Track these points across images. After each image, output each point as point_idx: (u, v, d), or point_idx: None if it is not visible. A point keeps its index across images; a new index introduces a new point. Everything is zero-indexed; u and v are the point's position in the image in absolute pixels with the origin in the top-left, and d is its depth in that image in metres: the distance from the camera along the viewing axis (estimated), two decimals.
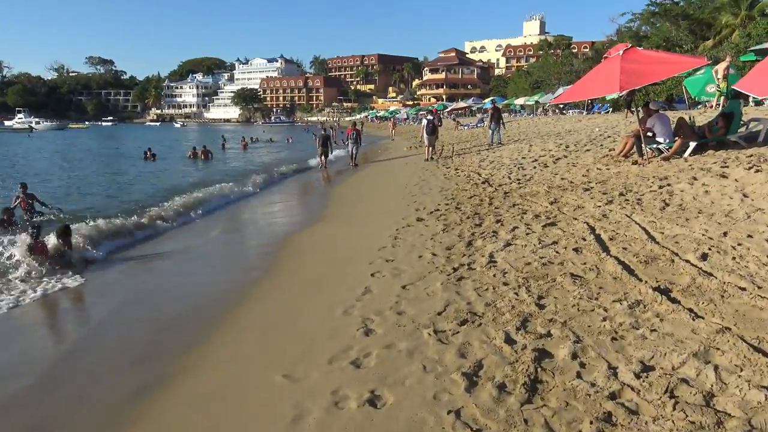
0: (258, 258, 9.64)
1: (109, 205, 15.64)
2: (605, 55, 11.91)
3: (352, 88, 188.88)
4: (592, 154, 15.13)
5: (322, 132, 27.03)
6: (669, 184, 9.33)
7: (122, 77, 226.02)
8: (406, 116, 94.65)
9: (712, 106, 26.35)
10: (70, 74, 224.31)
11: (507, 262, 6.35)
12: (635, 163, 12.14)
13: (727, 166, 9.97)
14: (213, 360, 5.07)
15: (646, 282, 5.01)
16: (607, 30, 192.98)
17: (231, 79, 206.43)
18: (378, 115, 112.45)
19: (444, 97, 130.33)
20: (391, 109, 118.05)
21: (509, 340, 4.26)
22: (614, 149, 15.13)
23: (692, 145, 11.99)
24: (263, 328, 5.84)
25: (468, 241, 7.61)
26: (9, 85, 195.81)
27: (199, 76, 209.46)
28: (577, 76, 64.76)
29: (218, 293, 7.49)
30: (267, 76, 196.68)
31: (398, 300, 5.62)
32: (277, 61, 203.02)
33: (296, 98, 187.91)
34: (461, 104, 78.53)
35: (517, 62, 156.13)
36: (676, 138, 12.41)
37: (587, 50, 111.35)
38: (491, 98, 64.30)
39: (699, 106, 27.50)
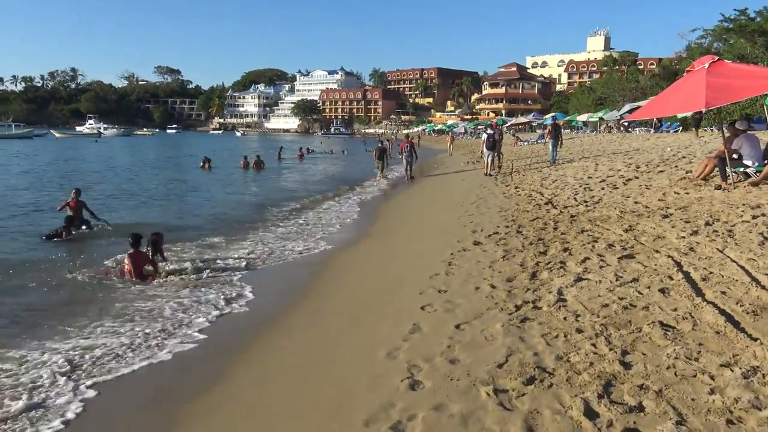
0: (299, 276, 9.00)
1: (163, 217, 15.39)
2: (688, 69, 10.82)
3: (411, 101, 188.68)
4: (667, 176, 13.92)
5: (379, 144, 26.60)
6: (764, 214, 8.20)
7: (188, 86, 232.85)
8: (464, 130, 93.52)
9: None
10: (139, 83, 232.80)
11: (579, 301, 5.45)
12: (718, 187, 10.96)
13: None
14: (230, 407, 4.39)
15: (760, 342, 4.04)
16: (676, 46, 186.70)
17: (291, 90, 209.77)
18: (436, 128, 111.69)
19: (503, 111, 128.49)
20: (449, 122, 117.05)
21: (590, 413, 3.40)
22: (691, 171, 13.92)
23: None
24: (295, 367, 5.13)
25: (532, 272, 6.73)
26: (83, 92, 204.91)
27: (261, 87, 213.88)
28: (643, 93, 62.60)
29: (251, 319, 6.85)
30: (327, 88, 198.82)
31: (451, 343, 4.82)
32: (337, 73, 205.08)
33: (355, 110, 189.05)
34: (521, 119, 76.97)
35: (579, 78, 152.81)
36: (767, 162, 11.17)
37: (654, 66, 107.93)
38: (552, 114, 62.73)
39: None
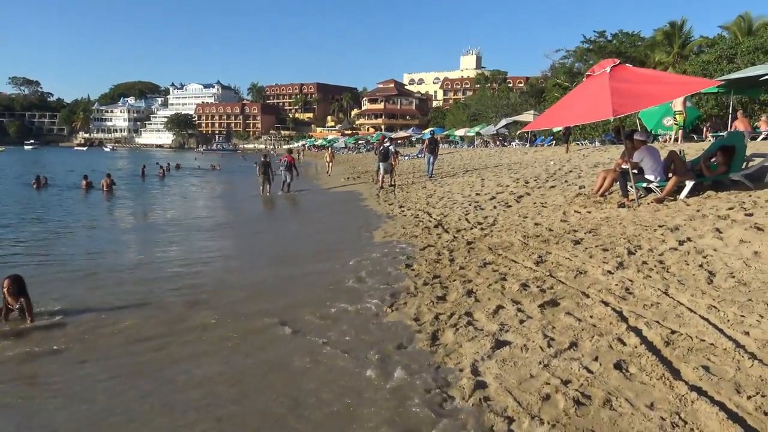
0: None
1: None
2: (588, 73, 9.69)
3: (291, 116, 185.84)
4: (560, 192, 12.87)
5: (262, 159, 24.69)
6: (689, 239, 6.99)
7: (48, 99, 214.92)
8: (344, 145, 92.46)
9: (666, 140, 25.01)
10: None
11: (506, 389, 3.72)
12: (622, 205, 9.88)
13: (751, 214, 7.77)
14: None
15: None
16: (542, 66, 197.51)
17: (165, 104, 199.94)
18: (316, 143, 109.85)
19: (383, 127, 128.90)
20: (330, 137, 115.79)
21: None
22: (584, 186, 12.97)
23: (689, 184, 9.84)
24: None
25: (431, 332, 4.95)
26: None
27: (131, 100, 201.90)
28: (514, 109, 64.51)
29: None
30: (203, 102, 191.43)
31: None
32: (213, 86, 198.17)
33: (233, 125, 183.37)
34: (401, 134, 76.89)
35: (454, 95, 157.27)
36: (669, 175, 10.27)
37: (522, 84, 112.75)
38: (431, 129, 63.03)
39: (654, 141, 26.18)
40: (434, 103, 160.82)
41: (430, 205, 13.95)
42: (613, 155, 20.73)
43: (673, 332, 4.24)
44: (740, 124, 20.13)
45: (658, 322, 4.49)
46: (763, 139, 19.26)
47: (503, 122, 46.61)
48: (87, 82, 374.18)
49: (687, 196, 9.79)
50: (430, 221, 11.48)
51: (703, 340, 4.02)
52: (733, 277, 5.35)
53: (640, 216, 8.97)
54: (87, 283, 8.18)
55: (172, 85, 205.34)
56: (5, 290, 6.57)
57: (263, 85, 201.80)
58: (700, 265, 5.85)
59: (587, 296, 5.36)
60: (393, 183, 21.53)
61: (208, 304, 6.79)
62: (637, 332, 4.33)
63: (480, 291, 5.99)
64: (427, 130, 64.06)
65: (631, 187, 10.26)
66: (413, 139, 73.71)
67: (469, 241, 8.81)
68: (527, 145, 43.41)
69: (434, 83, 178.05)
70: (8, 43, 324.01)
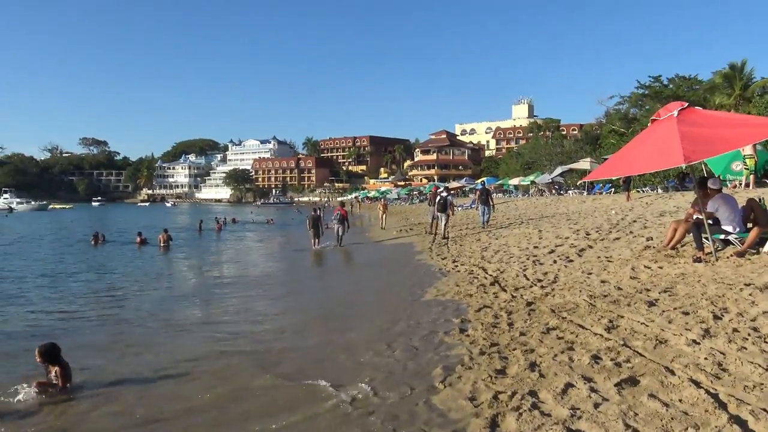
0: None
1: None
2: (653, 117, 9.01)
3: (344, 168, 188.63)
4: (626, 244, 12.02)
5: (312, 213, 24.74)
6: None
7: (115, 158, 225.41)
8: (397, 196, 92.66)
9: (736, 186, 23.65)
10: (63, 155, 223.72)
11: None
12: (698, 260, 9.00)
13: None
14: None
15: None
16: (596, 113, 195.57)
17: (224, 160, 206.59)
18: (369, 195, 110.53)
19: (435, 177, 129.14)
20: (382, 189, 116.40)
21: None
22: (652, 238, 12.08)
23: None
24: None
25: (490, 417, 4.29)
26: (1, 165, 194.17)
27: (191, 157, 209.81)
28: (568, 157, 63.34)
29: None
30: (259, 157, 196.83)
31: None
32: (270, 142, 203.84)
33: (288, 178, 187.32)
34: (454, 184, 76.57)
35: (507, 144, 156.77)
36: (748, 226, 9.37)
37: (576, 132, 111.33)
38: (483, 179, 62.41)
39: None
40: (486, 153, 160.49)
41: (485, 260, 13.27)
42: (679, 203, 19.65)
43: None
44: None
45: (765, 410, 3.73)
46: None
47: (559, 170, 45.61)
48: (151, 141, 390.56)
49: None
50: (485, 278, 10.81)
51: None
52: None
53: (720, 272, 8.11)
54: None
55: (231, 141, 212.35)
56: (38, 360, 6.30)
57: (317, 139, 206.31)
58: None
59: (672, 373, 4.61)
60: (446, 235, 21.01)
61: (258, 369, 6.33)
62: (742, 424, 3.58)
63: (545, 364, 5.30)
64: (480, 180, 63.45)
65: (707, 239, 9.41)
66: (466, 189, 73.16)
67: (529, 302, 8.11)
68: (585, 193, 42.19)
69: (486, 133, 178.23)
70: (80, 105, 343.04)
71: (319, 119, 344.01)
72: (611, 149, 51.85)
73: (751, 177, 20.35)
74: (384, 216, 33.68)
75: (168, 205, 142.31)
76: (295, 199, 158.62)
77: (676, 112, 8.53)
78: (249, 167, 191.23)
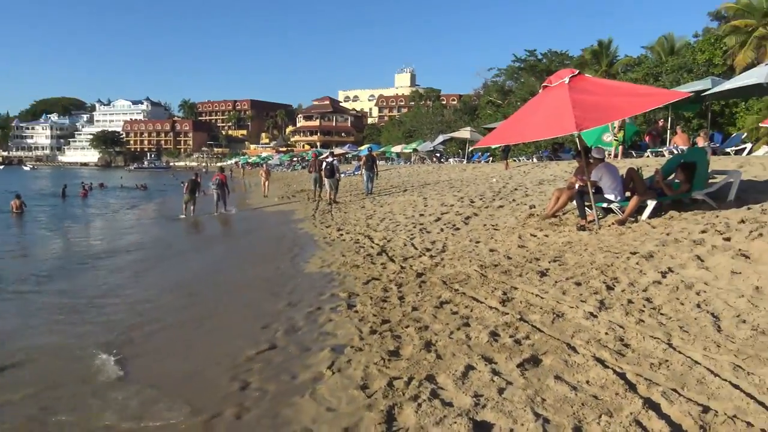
0: None
1: None
2: (544, 84, 8.86)
3: (224, 133, 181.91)
4: (510, 212, 12.03)
5: (192, 178, 23.19)
6: (671, 269, 6.13)
7: None
8: (279, 162, 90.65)
9: (608, 156, 24.87)
10: None
11: None
12: (582, 228, 9.04)
13: (729, 238, 7.03)
14: None
15: None
16: (474, 84, 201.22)
17: (90, 121, 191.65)
18: (249, 161, 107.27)
19: (318, 144, 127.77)
20: (264, 154, 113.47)
21: None
22: (535, 206, 12.18)
23: (651, 204, 9.12)
24: None
25: (386, 410, 3.78)
26: None
27: (54, 117, 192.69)
28: (448, 126, 64.61)
29: None
30: (131, 119, 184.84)
31: None
32: (142, 103, 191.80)
33: (163, 142, 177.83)
34: (338, 150, 75.82)
35: (389, 112, 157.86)
36: (628, 195, 9.56)
37: (455, 102, 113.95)
38: (367, 145, 62.20)
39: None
40: (369, 120, 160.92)
41: (371, 228, 12.84)
42: (555, 172, 20.27)
43: (704, 410, 3.24)
44: (679, 140, 20.04)
45: (677, 391, 3.50)
46: None
47: (440, 138, 46.24)
48: (5, 97, 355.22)
49: (649, 217, 9.07)
50: (372, 247, 10.35)
51: (750, 424, 3.04)
52: (745, 322, 4.46)
53: (605, 240, 8.15)
54: None
55: (98, 101, 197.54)
56: None
57: (195, 101, 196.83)
58: (698, 305, 4.96)
59: (575, 350, 4.34)
60: (335, 200, 20.56)
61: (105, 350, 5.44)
62: (656, 409, 3.32)
63: (441, 342, 4.88)
64: (364, 147, 63.19)
65: (589, 207, 9.50)
66: (348, 156, 72.80)
67: (419, 273, 7.73)
68: (464, 162, 43.11)
69: (369, 100, 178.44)
70: None
71: (197, 81, 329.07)
72: (489, 119, 53.34)
73: (620, 148, 21.35)
74: (266, 183, 31.91)
75: (26, 168, 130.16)
76: (171, 163, 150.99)
77: (567, 79, 8.42)
78: (119, 129, 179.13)
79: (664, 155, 20.23)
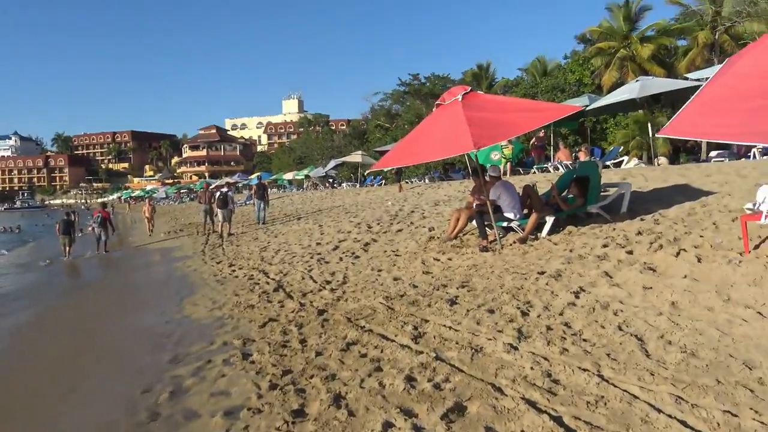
0: None
1: None
2: (438, 102, 8.58)
3: (104, 167, 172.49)
4: (410, 236, 11.69)
5: (65, 217, 21.29)
6: (582, 289, 5.92)
7: None
8: (165, 195, 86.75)
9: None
10: None
11: None
12: (485, 249, 8.81)
13: (631, 251, 6.98)
14: None
15: None
16: (362, 108, 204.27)
17: None
18: (133, 195, 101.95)
19: (207, 174, 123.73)
20: (148, 187, 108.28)
21: None
22: (434, 228, 11.92)
23: (549, 220, 9.06)
24: None
25: None
26: None
27: None
28: (339, 151, 64.53)
29: None
30: None
31: None
32: (10, 138, 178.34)
33: (36, 179, 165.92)
34: (228, 180, 73.65)
35: (278, 138, 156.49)
36: (526, 212, 9.46)
37: (344, 127, 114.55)
38: (258, 174, 60.86)
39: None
40: (259, 148, 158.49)
41: (266, 261, 12.05)
42: (448, 192, 20.37)
43: None
44: (563, 155, 20.79)
45: None
46: None
47: (332, 164, 45.89)
48: None
49: (549, 234, 9.00)
50: (267, 283, 9.59)
51: None
52: (671, 343, 4.22)
53: (510, 260, 7.92)
54: None
55: None
56: None
57: (70, 135, 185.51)
58: (619, 327, 4.70)
59: (502, 392, 3.89)
60: (229, 232, 19.51)
61: None
62: None
63: (352, 394, 4.29)
64: (254, 175, 61.73)
65: (490, 227, 9.31)
66: (240, 185, 70.89)
67: (321, 310, 7.09)
68: (357, 186, 42.97)
69: (258, 128, 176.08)
70: None
71: (71, 114, 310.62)
72: (378, 143, 53.67)
73: (508, 165, 21.85)
74: (152, 222, 27.02)
75: None
76: (47, 201, 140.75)
77: (460, 97, 8.18)
78: None
79: (549, 171, 20.91)
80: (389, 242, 11.57)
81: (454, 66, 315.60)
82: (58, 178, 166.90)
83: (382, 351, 5.17)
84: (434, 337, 5.30)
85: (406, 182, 36.36)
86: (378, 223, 14.34)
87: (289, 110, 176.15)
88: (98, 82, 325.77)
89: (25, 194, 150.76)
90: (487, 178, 9.81)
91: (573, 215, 9.68)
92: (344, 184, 47.68)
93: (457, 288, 6.90)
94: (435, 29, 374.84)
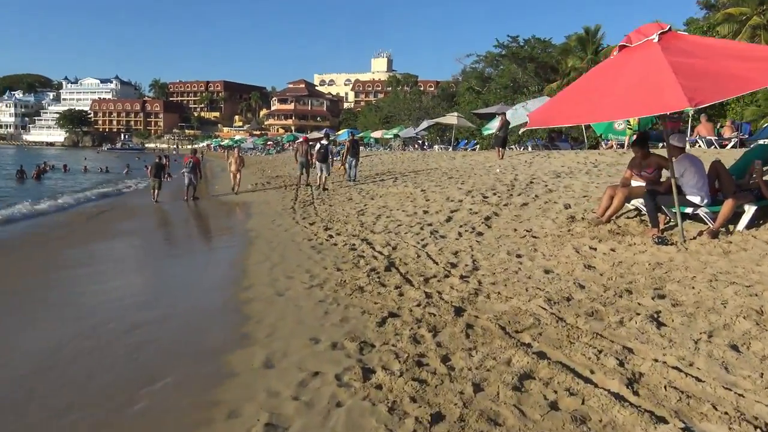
0: None
1: None
2: (621, 44, 6.49)
3: (196, 114, 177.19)
4: (541, 213, 9.72)
5: (156, 161, 20.93)
6: None
7: None
8: (252, 146, 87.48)
9: (612, 147, 22.70)
10: None
11: None
12: (661, 241, 6.77)
13: None
14: None
15: None
16: (453, 70, 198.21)
17: (57, 99, 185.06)
18: (222, 144, 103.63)
19: (293, 128, 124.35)
20: (237, 137, 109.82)
21: None
22: (570, 206, 9.89)
23: (750, 210, 6.88)
24: None
25: None
26: None
27: (18, 94, 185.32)
28: (426, 113, 62.04)
29: None
30: (99, 98, 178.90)
31: None
32: (111, 81, 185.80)
33: (133, 123, 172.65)
34: (316, 134, 73.08)
35: (366, 97, 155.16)
36: (719, 195, 7.30)
37: (432, 89, 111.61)
38: (348, 129, 59.58)
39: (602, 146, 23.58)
40: (345, 105, 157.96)
41: (367, 228, 10.42)
42: (565, 162, 18.04)
43: None
44: (704, 130, 17.97)
45: None
46: (732, 146, 17.14)
47: (425, 124, 43.79)
48: None
49: (746, 228, 6.84)
50: (375, 258, 7.93)
51: None
52: None
53: (709, 261, 5.87)
54: None
55: (66, 78, 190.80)
56: None
57: (166, 81, 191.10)
58: None
59: None
60: (325, 186, 18.41)
61: None
62: None
63: None
64: (343, 131, 60.53)
65: (663, 213, 7.24)
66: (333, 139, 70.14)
67: (458, 308, 5.35)
68: (449, 149, 40.76)
69: (345, 85, 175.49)
70: None
71: (168, 61, 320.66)
72: (468, 106, 50.98)
73: (635, 137, 19.15)
74: (238, 176, 22.36)
75: None
76: (147, 145, 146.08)
77: (656, 37, 6.06)
78: (87, 108, 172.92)
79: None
80: (515, 218, 9.66)
81: (557, 32, 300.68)
82: (153, 122, 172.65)
83: (583, 401, 3.37)
84: (662, 386, 3.43)
85: (510, 148, 33.66)
86: (494, 193, 12.39)
87: (378, 69, 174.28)
88: (195, 30, 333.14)
89: (126, 136, 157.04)
90: (672, 149, 7.69)
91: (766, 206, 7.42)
92: (436, 147, 45.54)
93: (652, 299, 4.97)
94: None
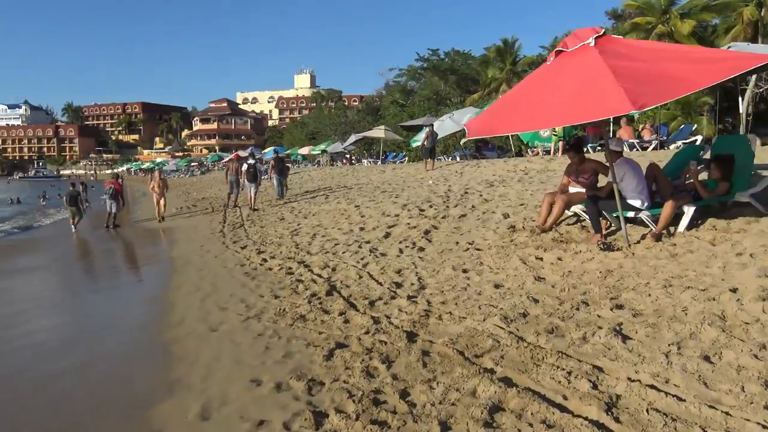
0: None
1: None
2: (558, 49, 6.35)
3: (114, 138, 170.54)
4: (480, 224, 9.54)
5: (70, 188, 19.71)
6: None
7: None
8: (175, 168, 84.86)
9: (538, 153, 23.05)
10: None
11: None
12: (607, 246, 6.65)
13: None
14: None
15: None
16: (376, 84, 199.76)
17: None
18: (143, 167, 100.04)
19: (217, 147, 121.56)
20: (158, 159, 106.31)
21: None
22: (508, 215, 9.77)
23: (689, 210, 6.88)
24: None
25: None
26: None
27: None
28: (352, 127, 61.91)
29: None
30: (7, 125, 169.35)
31: None
32: (20, 107, 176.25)
33: (46, 149, 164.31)
34: (242, 153, 71.54)
35: (290, 113, 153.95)
36: (657, 198, 7.28)
37: (357, 103, 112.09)
38: (274, 147, 58.66)
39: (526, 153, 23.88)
40: (270, 123, 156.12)
41: (303, 249, 9.94)
42: (496, 171, 18.10)
43: None
44: (624, 133, 18.47)
45: None
46: (653, 149, 17.68)
47: (352, 138, 43.47)
48: None
49: (687, 229, 6.83)
50: (314, 281, 7.48)
51: None
52: None
53: (658, 265, 5.77)
54: None
55: None
56: None
57: (80, 105, 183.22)
58: None
59: None
60: (255, 207, 17.93)
61: None
62: None
63: None
64: (269, 149, 59.63)
65: (604, 218, 7.16)
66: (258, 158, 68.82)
67: (409, 332, 4.99)
68: (379, 163, 40.62)
69: (269, 102, 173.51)
70: None
71: (82, 83, 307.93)
72: (394, 119, 51.13)
73: (560, 144, 19.50)
74: (162, 201, 20.26)
75: None
76: (62, 172, 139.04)
77: (592, 41, 5.95)
78: None
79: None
80: (455, 230, 9.42)
81: (476, 42, 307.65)
82: (68, 148, 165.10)
83: (531, 421, 3.06)
84: (643, 410, 3.18)
85: (438, 159, 33.71)
86: (431, 206, 12.16)
87: (301, 85, 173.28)
88: (109, 51, 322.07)
89: (41, 163, 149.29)
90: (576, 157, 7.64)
91: (707, 206, 7.46)
92: (365, 161, 45.36)
93: (611, 309, 4.77)
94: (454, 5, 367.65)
